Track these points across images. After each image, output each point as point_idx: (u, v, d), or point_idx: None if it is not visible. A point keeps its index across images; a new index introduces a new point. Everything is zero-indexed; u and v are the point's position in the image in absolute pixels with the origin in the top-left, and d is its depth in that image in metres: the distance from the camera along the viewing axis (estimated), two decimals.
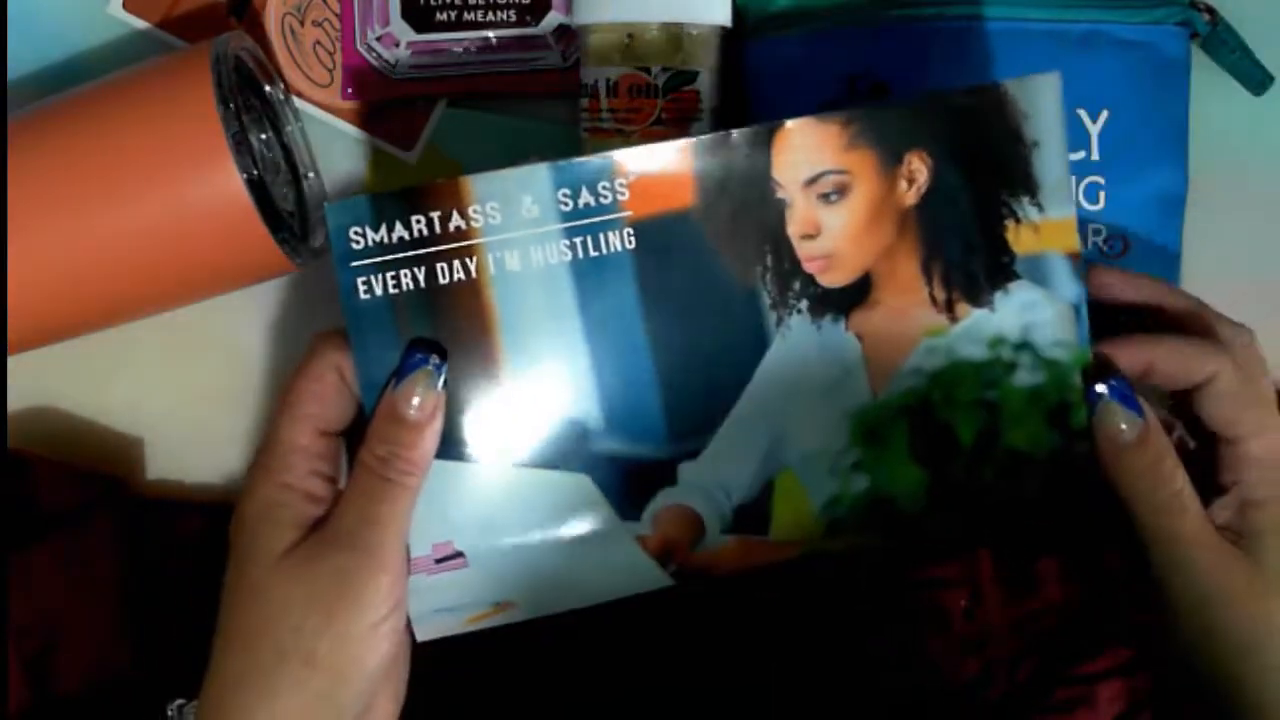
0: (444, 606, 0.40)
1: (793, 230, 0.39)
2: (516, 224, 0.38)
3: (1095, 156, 0.48)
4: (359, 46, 0.52)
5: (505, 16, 0.51)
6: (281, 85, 0.52)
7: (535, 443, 0.39)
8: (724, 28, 0.49)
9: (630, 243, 0.38)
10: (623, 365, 0.39)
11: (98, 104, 0.46)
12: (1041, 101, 0.38)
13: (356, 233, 0.38)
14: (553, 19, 0.51)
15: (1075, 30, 0.48)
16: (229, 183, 0.45)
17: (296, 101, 0.53)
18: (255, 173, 0.45)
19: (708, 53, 0.48)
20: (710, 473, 0.40)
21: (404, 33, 0.51)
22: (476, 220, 0.38)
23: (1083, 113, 0.48)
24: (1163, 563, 0.38)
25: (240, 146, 0.45)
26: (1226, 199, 0.51)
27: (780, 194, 0.38)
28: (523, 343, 0.38)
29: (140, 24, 0.52)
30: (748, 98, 0.50)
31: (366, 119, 0.53)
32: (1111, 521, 0.39)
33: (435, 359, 0.38)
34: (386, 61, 0.51)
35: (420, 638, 0.40)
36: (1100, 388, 0.39)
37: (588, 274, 0.38)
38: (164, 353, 0.53)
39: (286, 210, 0.49)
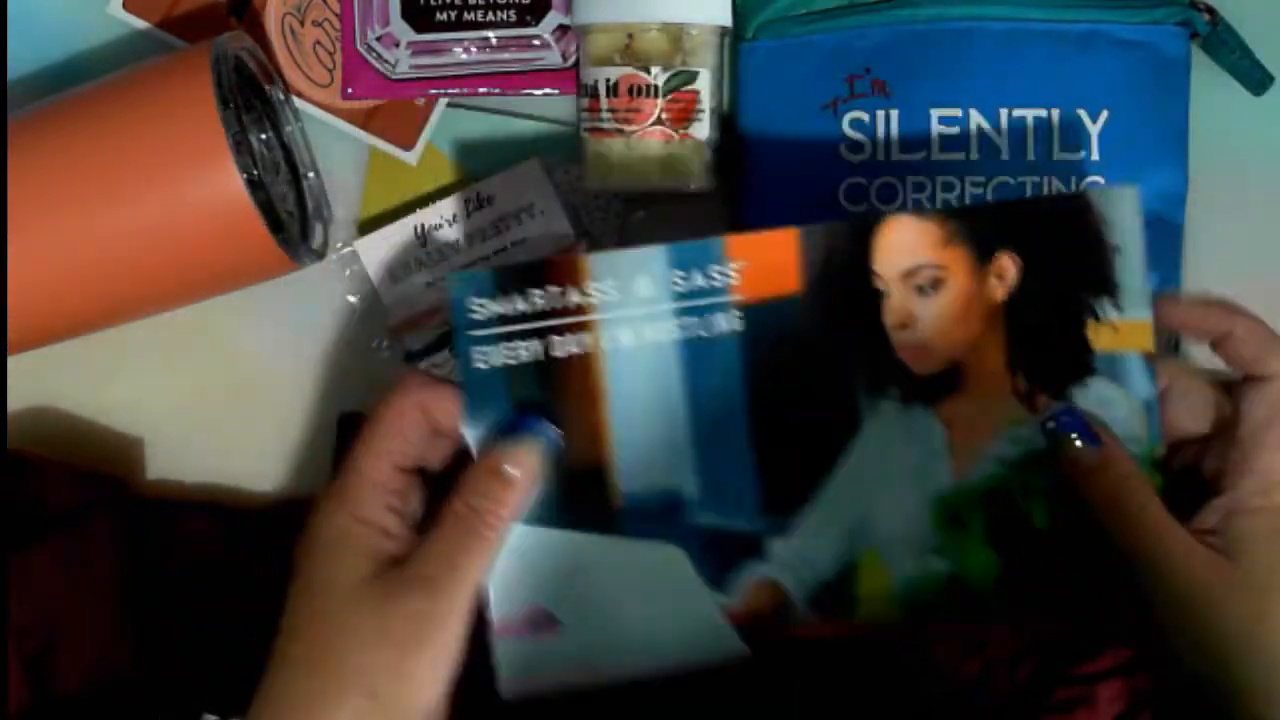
0: (532, 669, 0.41)
1: (889, 320, 0.40)
2: (631, 302, 0.39)
3: (1095, 156, 0.48)
4: (359, 46, 0.52)
5: (505, 16, 0.51)
6: (281, 85, 0.52)
7: (632, 514, 0.40)
8: (724, 28, 0.49)
9: (738, 325, 0.40)
10: (722, 442, 0.40)
11: (98, 104, 0.46)
12: (1121, 210, 0.40)
13: (477, 304, 0.39)
14: (553, 19, 0.51)
15: (1075, 30, 0.48)
16: (229, 183, 0.45)
17: (296, 101, 0.53)
18: (255, 173, 0.45)
19: (708, 53, 0.48)
20: (799, 549, 0.41)
21: (404, 33, 0.51)
22: (594, 297, 0.39)
23: (1083, 113, 0.48)
24: (1146, 575, 0.38)
25: (240, 146, 0.45)
26: (1226, 199, 0.51)
27: (879, 284, 0.40)
28: (628, 417, 0.40)
29: (140, 24, 0.52)
30: (746, 98, 0.50)
31: (366, 119, 0.53)
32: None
33: (554, 432, 0.39)
34: (386, 61, 0.51)
35: (505, 695, 0.40)
36: (1049, 424, 0.40)
37: (696, 354, 0.40)
38: (164, 353, 0.53)
39: (286, 210, 0.49)
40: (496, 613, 0.40)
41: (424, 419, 0.39)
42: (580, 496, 0.40)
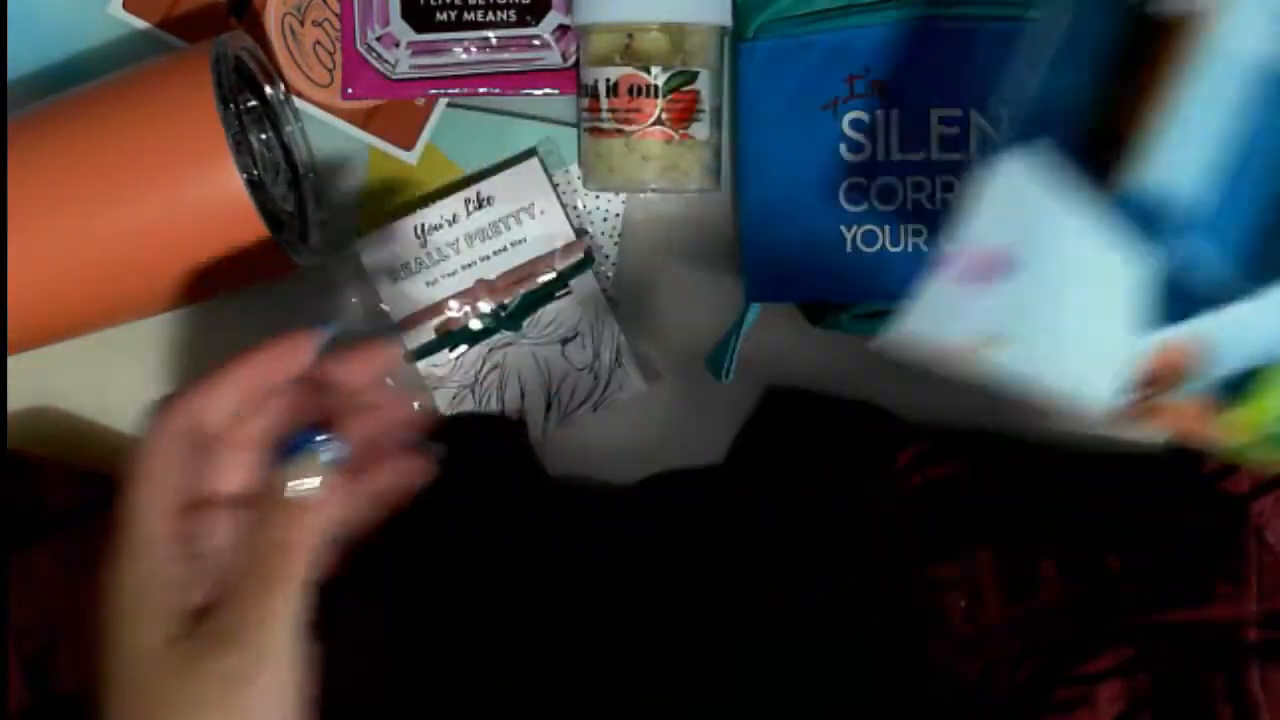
0: (949, 318, 0.37)
1: None
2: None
3: None
4: (359, 46, 0.52)
5: (505, 16, 0.51)
6: (281, 85, 0.52)
7: (1141, 204, 0.36)
8: (724, 28, 0.49)
9: None
10: (1259, 182, 0.36)
11: (98, 104, 0.46)
12: None
13: None
14: (553, 19, 0.51)
15: None
16: (229, 183, 0.45)
17: (296, 101, 0.53)
18: (255, 173, 0.45)
19: (708, 53, 0.48)
20: (1238, 327, 0.37)
21: (404, 33, 0.51)
22: None
23: None
24: None
25: (240, 147, 0.45)
26: None
27: None
28: (1192, 110, 0.35)
29: (140, 24, 0.52)
30: (746, 98, 0.50)
31: (366, 119, 0.53)
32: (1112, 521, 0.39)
33: (338, 444, 0.35)
34: (386, 61, 0.51)
35: (876, 344, 0.37)
36: None
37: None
38: (164, 353, 0.53)
39: (286, 210, 0.49)
40: (964, 240, 0.36)
41: (190, 446, 0.36)
42: (1106, 164, 0.36)
